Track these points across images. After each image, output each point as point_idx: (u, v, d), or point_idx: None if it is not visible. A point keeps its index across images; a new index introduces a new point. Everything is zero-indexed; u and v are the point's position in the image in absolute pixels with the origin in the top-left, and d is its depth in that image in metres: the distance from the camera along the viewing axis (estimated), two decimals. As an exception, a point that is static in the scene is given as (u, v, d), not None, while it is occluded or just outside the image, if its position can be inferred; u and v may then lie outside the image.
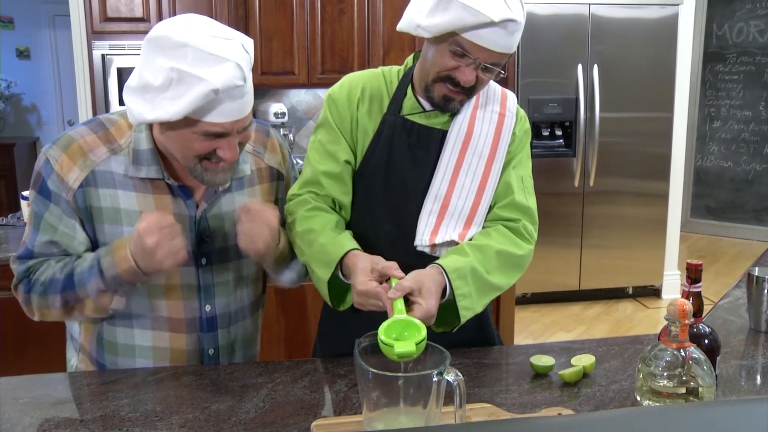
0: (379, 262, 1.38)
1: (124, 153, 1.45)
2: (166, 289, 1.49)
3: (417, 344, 1.18)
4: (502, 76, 1.46)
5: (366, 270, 1.36)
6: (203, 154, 1.37)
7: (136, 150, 1.44)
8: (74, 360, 1.60)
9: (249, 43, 1.35)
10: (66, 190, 1.42)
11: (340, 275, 1.45)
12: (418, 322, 1.24)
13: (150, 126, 1.45)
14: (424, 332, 1.21)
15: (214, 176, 1.41)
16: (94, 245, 1.47)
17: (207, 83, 1.25)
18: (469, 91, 1.47)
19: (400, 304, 1.29)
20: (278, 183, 1.64)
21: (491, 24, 1.35)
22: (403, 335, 1.21)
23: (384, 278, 1.36)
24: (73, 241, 1.45)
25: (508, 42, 1.39)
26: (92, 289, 1.39)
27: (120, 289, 1.41)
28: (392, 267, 1.36)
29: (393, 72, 1.59)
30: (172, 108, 1.28)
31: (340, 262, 1.43)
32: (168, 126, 1.34)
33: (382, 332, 1.20)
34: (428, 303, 1.32)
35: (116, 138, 1.46)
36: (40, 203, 1.44)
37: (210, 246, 1.51)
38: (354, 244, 1.45)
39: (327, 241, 1.45)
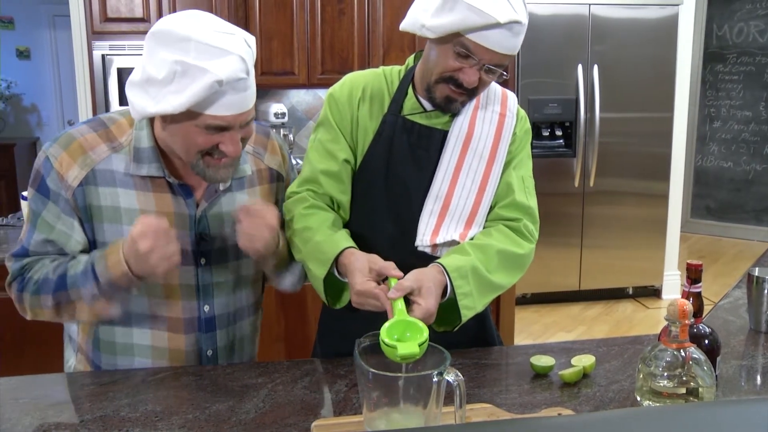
0: (377, 261, 1.38)
1: (124, 151, 1.45)
2: (165, 288, 1.49)
3: (420, 345, 1.17)
4: (504, 77, 1.46)
5: (364, 270, 1.36)
6: (205, 149, 1.37)
7: (137, 148, 1.44)
8: (72, 360, 1.60)
9: (251, 39, 1.36)
10: (65, 189, 1.42)
11: (336, 273, 1.45)
12: (419, 322, 1.24)
13: (151, 123, 1.45)
14: (426, 333, 1.21)
15: (216, 172, 1.41)
16: (92, 245, 1.46)
17: (211, 75, 1.25)
18: (472, 92, 1.47)
19: (400, 304, 1.28)
20: (278, 184, 1.64)
21: (497, 25, 1.35)
22: (405, 336, 1.21)
23: (382, 278, 1.36)
24: (69, 240, 1.45)
25: (512, 43, 1.39)
26: (87, 295, 1.38)
27: (115, 295, 1.40)
28: (390, 267, 1.36)
29: (394, 72, 1.59)
30: (175, 101, 1.28)
31: (336, 261, 1.43)
32: (170, 119, 1.34)
33: (384, 334, 1.19)
34: (428, 303, 1.32)
35: (117, 136, 1.46)
36: (38, 201, 1.44)
37: (209, 246, 1.51)
38: (350, 242, 1.45)
39: (323, 239, 1.45)
